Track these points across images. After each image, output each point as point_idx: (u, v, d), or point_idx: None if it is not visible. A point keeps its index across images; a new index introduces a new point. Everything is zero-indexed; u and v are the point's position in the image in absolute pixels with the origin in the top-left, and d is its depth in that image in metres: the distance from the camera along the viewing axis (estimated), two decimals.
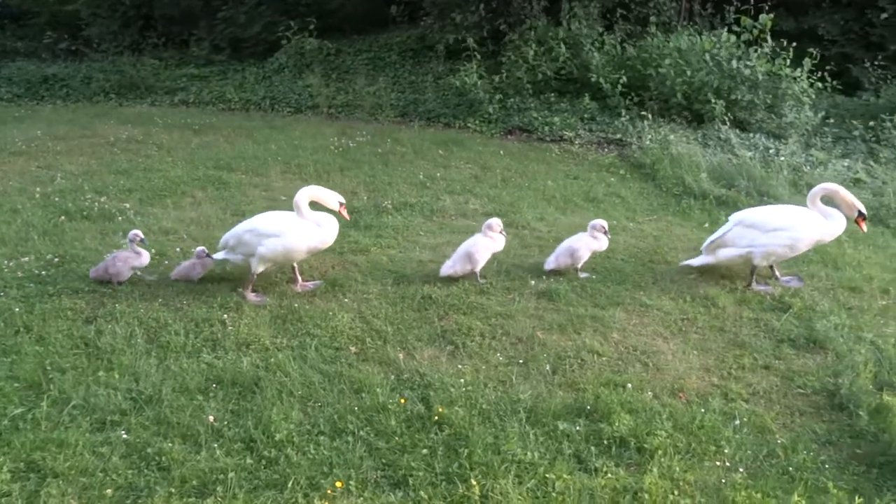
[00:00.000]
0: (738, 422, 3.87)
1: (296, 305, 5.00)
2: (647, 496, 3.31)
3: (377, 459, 3.52)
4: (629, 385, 4.13)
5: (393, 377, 4.23)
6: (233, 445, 3.55)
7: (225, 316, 4.83)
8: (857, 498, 3.25)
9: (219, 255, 5.37)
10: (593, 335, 4.74)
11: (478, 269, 5.42)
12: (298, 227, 5.12)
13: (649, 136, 9.46)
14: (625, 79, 10.47)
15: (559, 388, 4.17)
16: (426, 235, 6.49)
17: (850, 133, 9.76)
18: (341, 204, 5.30)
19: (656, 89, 10.48)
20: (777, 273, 5.58)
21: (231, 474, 3.32)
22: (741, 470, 3.51)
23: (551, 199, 7.60)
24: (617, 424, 3.73)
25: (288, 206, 7.11)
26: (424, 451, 3.57)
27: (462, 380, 4.18)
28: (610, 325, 4.86)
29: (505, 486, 3.32)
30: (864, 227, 5.49)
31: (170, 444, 3.52)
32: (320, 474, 3.37)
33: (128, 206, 7.10)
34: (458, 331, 4.75)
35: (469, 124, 10.84)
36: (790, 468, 3.53)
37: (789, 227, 5.28)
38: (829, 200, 5.51)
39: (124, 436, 3.59)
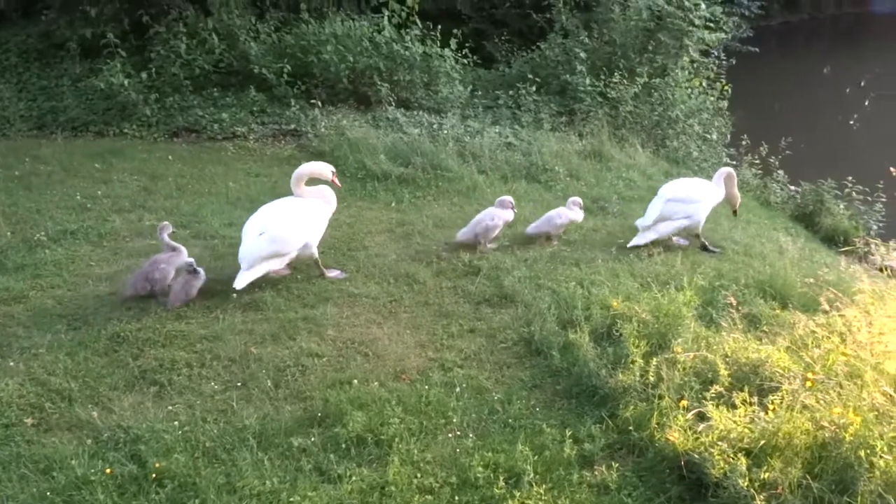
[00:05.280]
0: (458, 389, 4.10)
1: None
2: (393, 488, 3.33)
3: None
4: (355, 381, 4.10)
5: (90, 441, 3.61)
6: None
7: None
8: (567, 430, 3.67)
9: (252, 276, 4.99)
10: (309, 337, 4.61)
11: (491, 235, 5.91)
12: (315, 207, 5.39)
13: (323, 124, 9.48)
14: (289, 67, 10.31)
15: (286, 402, 3.97)
16: (99, 265, 5.64)
17: (496, 102, 10.96)
18: (333, 172, 5.60)
19: (321, 76, 10.52)
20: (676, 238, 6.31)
21: None
22: (471, 435, 3.73)
23: (237, 202, 7.18)
24: (351, 425, 3.67)
25: None
26: None
27: (176, 422, 3.74)
28: (323, 323, 4.77)
29: None
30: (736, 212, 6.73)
31: None
32: None
33: None
34: (160, 367, 4.23)
35: (125, 130, 9.67)
36: (510, 420, 3.85)
37: (706, 197, 6.12)
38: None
39: None
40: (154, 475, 3.33)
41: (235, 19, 10.93)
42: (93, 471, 3.36)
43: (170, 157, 8.55)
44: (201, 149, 9.09)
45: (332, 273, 5.46)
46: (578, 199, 6.34)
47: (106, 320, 4.72)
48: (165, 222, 5.36)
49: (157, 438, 3.59)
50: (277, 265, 5.20)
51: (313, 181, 5.60)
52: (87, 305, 4.95)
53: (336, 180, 5.65)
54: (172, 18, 10.90)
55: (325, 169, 5.57)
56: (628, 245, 6.06)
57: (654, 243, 6.03)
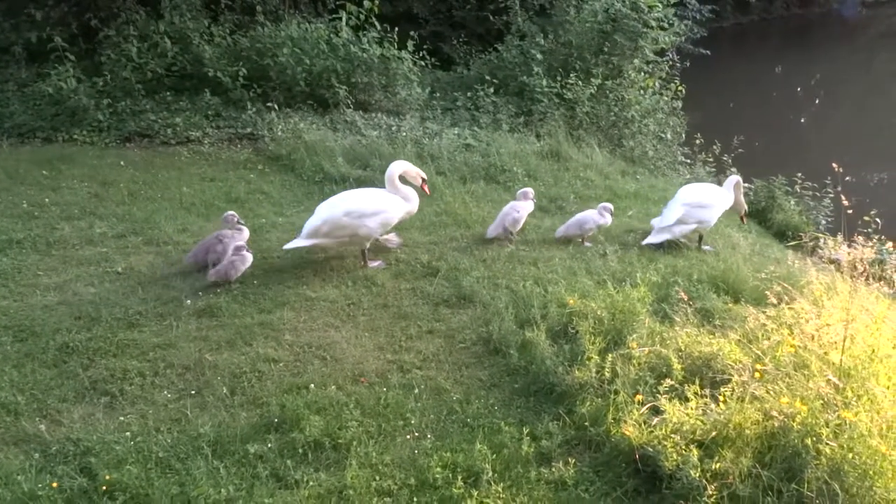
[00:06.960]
0: (417, 390, 4.09)
1: None
2: (351, 492, 3.31)
3: None
4: (312, 385, 4.07)
5: (37, 455, 3.52)
6: None
7: None
8: (525, 428, 3.69)
9: (300, 243, 5.40)
10: (266, 342, 4.55)
11: (517, 228, 6.19)
12: (392, 202, 5.59)
13: (280, 127, 9.38)
14: (244, 71, 10.17)
15: (242, 408, 3.92)
16: (47, 274, 5.48)
17: (455, 104, 10.99)
18: (424, 180, 5.94)
19: (278, 79, 10.40)
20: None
21: None
22: (429, 436, 3.73)
23: (191, 207, 7.05)
24: (308, 429, 3.64)
25: None
26: None
27: (128, 433, 3.67)
28: (280, 328, 4.72)
29: None
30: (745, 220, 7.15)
31: None
32: None
33: None
34: (112, 377, 4.14)
35: (75, 136, 9.39)
36: (468, 420, 3.86)
37: (719, 202, 6.31)
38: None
39: None
40: (105, 487, 3.26)
41: (188, 22, 10.74)
42: (40, 485, 3.27)
43: (121, 163, 8.36)
44: (154, 154, 8.91)
45: (375, 264, 5.67)
46: (609, 206, 6.41)
47: (54, 331, 4.60)
48: (231, 212, 5.73)
49: (107, 450, 3.51)
50: (330, 243, 5.50)
51: (406, 182, 5.90)
52: (34, 316, 4.80)
53: (426, 188, 6.06)
54: (122, 22, 10.67)
55: (417, 174, 5.91)
56: (642, 243, 6.20)
57: (608, 241, 6.12)
